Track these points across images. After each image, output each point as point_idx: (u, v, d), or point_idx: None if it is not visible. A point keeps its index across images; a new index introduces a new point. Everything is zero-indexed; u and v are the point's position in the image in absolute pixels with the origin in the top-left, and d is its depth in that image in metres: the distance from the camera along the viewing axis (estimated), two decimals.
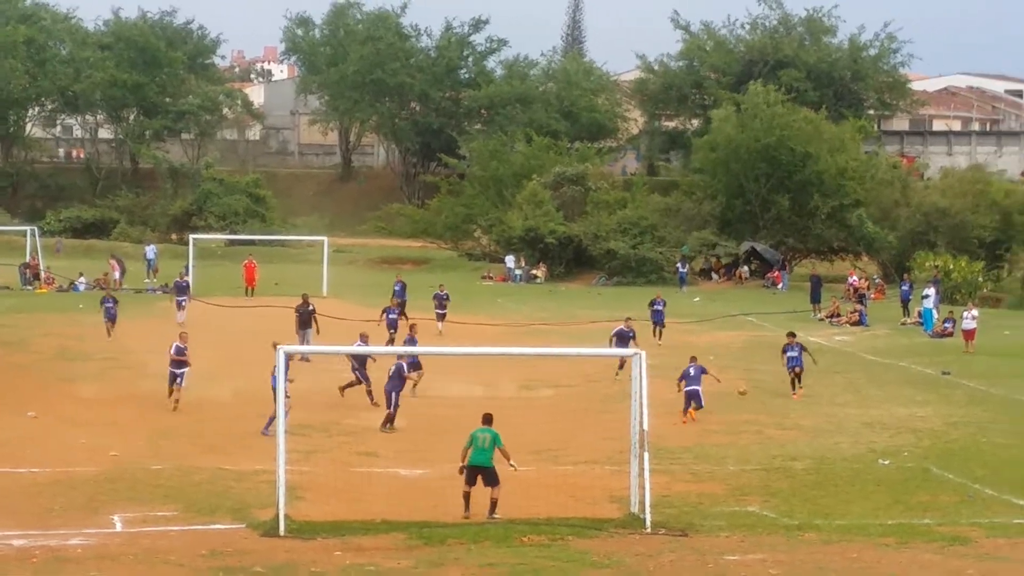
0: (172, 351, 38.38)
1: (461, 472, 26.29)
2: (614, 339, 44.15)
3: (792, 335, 42.42)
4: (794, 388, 41.12)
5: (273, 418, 30.04)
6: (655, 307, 54.65)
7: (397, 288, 61.42)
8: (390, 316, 51.69)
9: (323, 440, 33.58)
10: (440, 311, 57.14)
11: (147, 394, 40.07)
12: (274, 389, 27.99)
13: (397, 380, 35.58)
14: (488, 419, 26.71)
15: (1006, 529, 25.92)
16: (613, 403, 38.46)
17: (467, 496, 26.06)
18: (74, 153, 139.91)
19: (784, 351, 41.61)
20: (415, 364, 38.56)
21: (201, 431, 34.64)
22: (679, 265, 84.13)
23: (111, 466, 30.15)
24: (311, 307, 49.44)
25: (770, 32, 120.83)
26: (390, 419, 35.20)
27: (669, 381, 37.45)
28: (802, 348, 41.62)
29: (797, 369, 41.15)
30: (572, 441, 32.63)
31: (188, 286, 62.65)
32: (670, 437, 33.40)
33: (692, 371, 37.86)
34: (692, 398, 37.50)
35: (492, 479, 26.00)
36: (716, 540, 24.78)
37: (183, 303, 59.44)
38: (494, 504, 25.84)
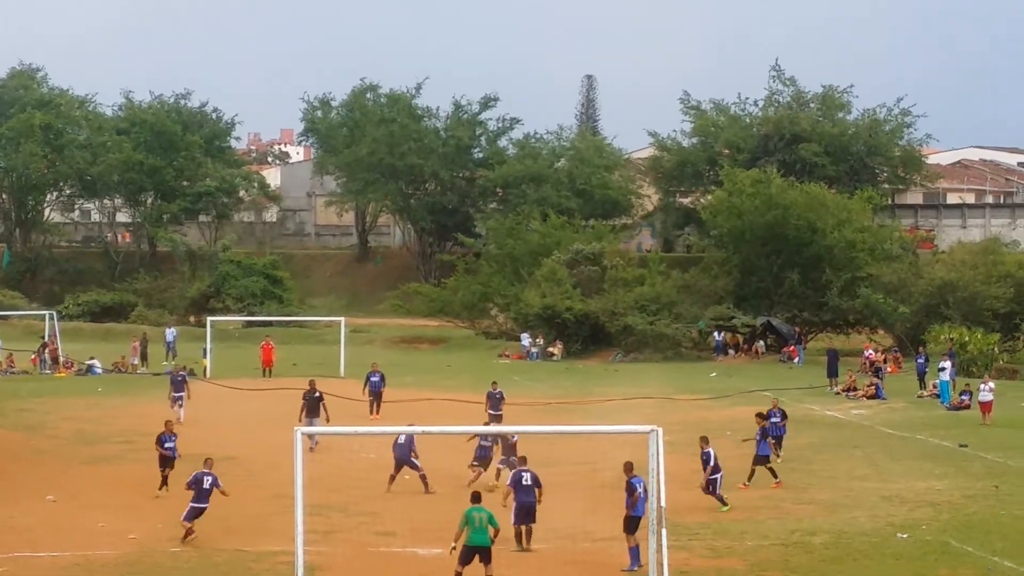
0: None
1: (452, 552, 26.56)
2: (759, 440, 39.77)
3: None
4: None
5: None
6: (772, 419, 43.24)
7: (374, 379, 55.26)
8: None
9: (341, 520, 33.60)
10: (495, 412, 49.89)
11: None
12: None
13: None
14: (478, 498, 27.30)
15: None
16: None
17: None
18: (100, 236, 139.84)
19: None
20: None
21: (220, 513, 34.59)
22: (715, 335, 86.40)
23: (131, 549, 30.27)
24: (318, 394, 47.36)
25: (784, 107, 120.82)
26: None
27: (685, 456, 37.42)
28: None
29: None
30: (590, 519, 32.62)
31: (185, 379, 54.30)
32: (688, 513, 33.41)
33: None
34: None
35: (488, 557, 26.57)
36: None
37: (180, 399, 52.62)
38: None
